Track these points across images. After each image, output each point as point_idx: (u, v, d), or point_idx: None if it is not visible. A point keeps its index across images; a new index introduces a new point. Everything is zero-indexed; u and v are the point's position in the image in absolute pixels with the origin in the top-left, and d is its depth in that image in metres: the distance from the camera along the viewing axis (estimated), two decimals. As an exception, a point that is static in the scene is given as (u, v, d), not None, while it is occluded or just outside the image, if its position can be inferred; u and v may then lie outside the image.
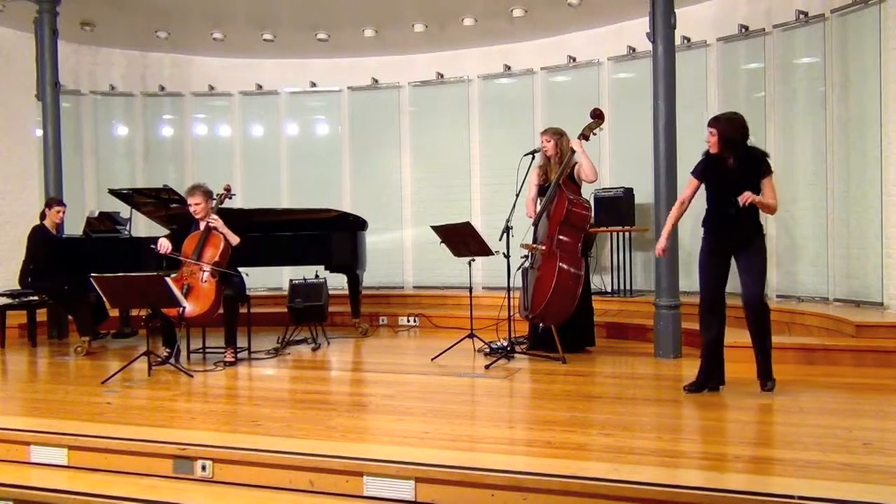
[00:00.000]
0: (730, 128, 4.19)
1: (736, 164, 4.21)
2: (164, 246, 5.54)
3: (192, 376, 5.13)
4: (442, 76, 9.34)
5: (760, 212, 4.26)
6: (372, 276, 8.34)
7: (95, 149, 9.38)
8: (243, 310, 5.87)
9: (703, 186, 4.43)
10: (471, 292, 5.97)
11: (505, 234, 5.44)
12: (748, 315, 4.25)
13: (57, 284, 6.39)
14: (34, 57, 7.45)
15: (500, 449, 3.31)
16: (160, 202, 6.81)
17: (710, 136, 4.26)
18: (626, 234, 7.76)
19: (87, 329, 6.37)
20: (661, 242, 4.70)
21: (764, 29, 7.20)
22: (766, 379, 4.24)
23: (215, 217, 5.63)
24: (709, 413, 3.92)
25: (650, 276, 7.21)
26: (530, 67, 8.90)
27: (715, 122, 4.25)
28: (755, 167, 4.18)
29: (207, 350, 6.06)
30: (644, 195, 7.30)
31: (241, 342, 5.91)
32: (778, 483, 2.77)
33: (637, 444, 3.31)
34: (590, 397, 4.35)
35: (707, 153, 4.36)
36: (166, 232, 6.80)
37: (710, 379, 4.34)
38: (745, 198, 4.07)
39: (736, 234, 4.27)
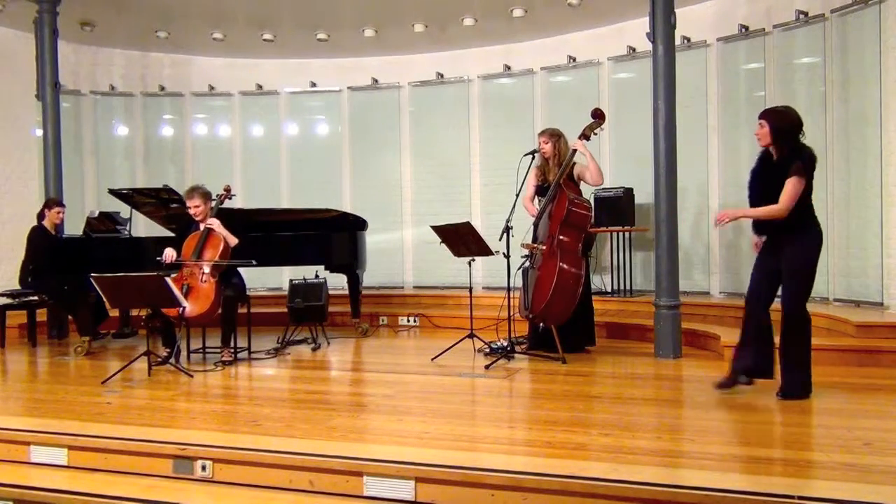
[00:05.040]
0: (782, 119, 4.04)
1: (779, 161, 4.05)
2: (170, 255, 5.53)
3: (191, 376, 5.13)
4: (442, 76, 9.34)
5: (808, 208, 4.08)
6: (372, 276, 8.34)
7: (95, 149, 9.38)
8: (243, 310, 5.88)
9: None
10: (471, 292, 5.97)
11: (505, 234, 5.44)
12: (781, 320, 4.14)
13: (57, 284, 6.39)
14: (34, 57, 7.46)
15: (500, 449, 3.31)
16: (160, 202, 6.81)
17: (759, 129, 4.08)
18: (626, 234, 7.76)
19: (87, 329, 6.37)
20: (733, 212, 4.38)
21: (764, 29, 7.20)
22: (784, 388, 4.12)
23: (212, 219, 5.62)
24: (709, 413, 3.92)
25: (650, 276, 7.21)
26: (530, 67, 8.90)
27: (767, 114, 4.11)
28: (789, 165, 3.99)
29: (207, 350, 6.06)
30: (644, 195, 7.30)
31: (242, 342, 5.92)
32: (778, 483, 2.77)
33: (637, 444, 3.31)
34: (590, 397, 4.34)
35: (762, 153, 4.20)
36: (166, 232, 6.82)
37: (752, 371, 4.28)
38: (722, 216, 4.09)
39: (776, 234, 4.12)
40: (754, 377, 4.30)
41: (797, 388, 4.12)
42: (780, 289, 4.17)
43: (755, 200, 4.18)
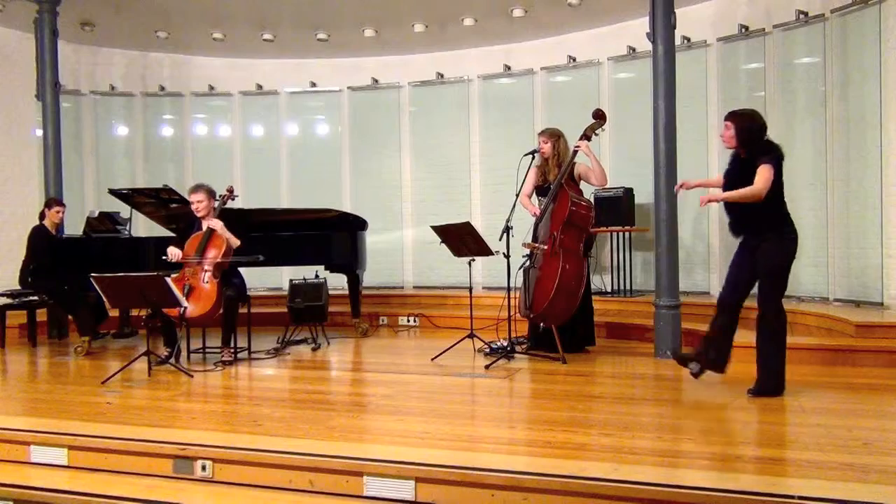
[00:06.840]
0: (747, 121, 4.14)
1: (748, 158, 4.17)
2: (176, 254, 5.52)
3: (192, 376, 5.13)
4: (442, 76, 9.34)
5: (779, 208, 4.18)
6: (372, 276, 8.34)
7: (95, 149, 9.38)
8: (243, 310, 5.87)
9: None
10: (471, 292, 5.97)
11: (505, 234, 5.44)
12: (757, 319, 4.24)
13: (57, 284, 6.39)
14: (34, 57, 7.46)
15: (500, 449, 3.31)
16: (160, 202, 6.81)
17: (725, 130, 4.20)
18: (626, 234, 7.76)
19: (87, 329, 6.37)
20: (712, 196, 4.48)
21: (764, 29, 7.20)
22: (759, 386, 4.19)
23: (216, 220, 5.62)
24: (709, 413, 3.93)
25: (650, 276, 7.21)
26: (530, 67, 8.90)
27: (733, 116, 4.20)
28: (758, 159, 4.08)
29: (207, 350, 6.06)
30: (644, 195, 7.30)
31: (242, 342, 5.92)
32: (778, 483, 2.77)
33: (637, 444, 3.31)
34: (590, 397, 4.34)
35: (734, 154, 4.33)
36: (166, 232, 6.82)
37: (710, 364, 4.39)
38: (703, 200, 4.19)
39: (753, 237, 4.21)
40: (708, 369, 4.42)
41: (772, 386, 4.18)
42: (755, 288, 4.27)
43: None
